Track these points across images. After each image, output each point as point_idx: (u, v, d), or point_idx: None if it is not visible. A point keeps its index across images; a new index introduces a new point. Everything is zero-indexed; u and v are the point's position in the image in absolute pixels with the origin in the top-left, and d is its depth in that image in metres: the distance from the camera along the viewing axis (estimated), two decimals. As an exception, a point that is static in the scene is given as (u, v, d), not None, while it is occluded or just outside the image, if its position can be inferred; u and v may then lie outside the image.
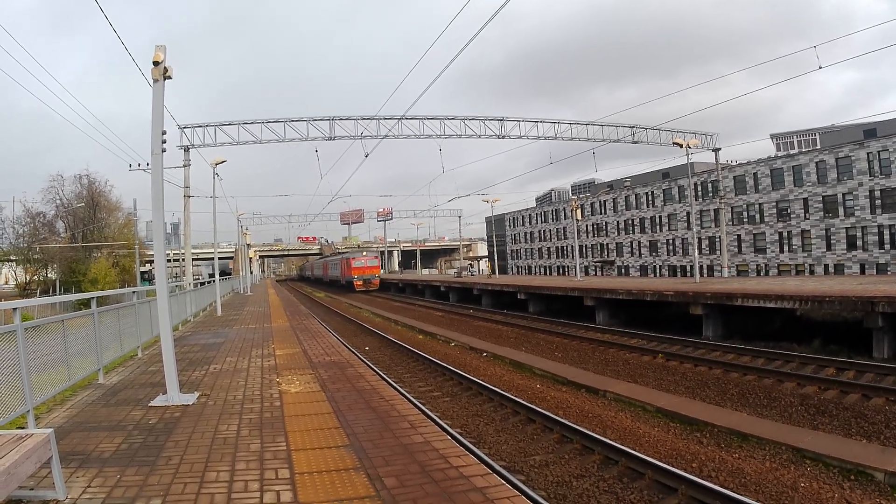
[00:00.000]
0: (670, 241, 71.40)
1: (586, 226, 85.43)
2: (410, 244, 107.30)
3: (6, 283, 71.23)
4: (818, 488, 7.33)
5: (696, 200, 62.20)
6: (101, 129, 68.25)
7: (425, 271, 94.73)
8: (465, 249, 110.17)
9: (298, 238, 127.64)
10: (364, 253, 70.34)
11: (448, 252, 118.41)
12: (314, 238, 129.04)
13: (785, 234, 57.26)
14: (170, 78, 8.39)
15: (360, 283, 63.69)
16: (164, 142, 8.92)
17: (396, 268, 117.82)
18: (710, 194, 62.55)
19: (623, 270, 78.13)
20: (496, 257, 67.14)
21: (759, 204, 59.34)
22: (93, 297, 9.80)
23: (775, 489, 7.33)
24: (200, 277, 54.80)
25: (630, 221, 78.44)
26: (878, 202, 49.20)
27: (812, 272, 53.03)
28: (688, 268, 64.59)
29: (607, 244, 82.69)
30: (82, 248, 61.26)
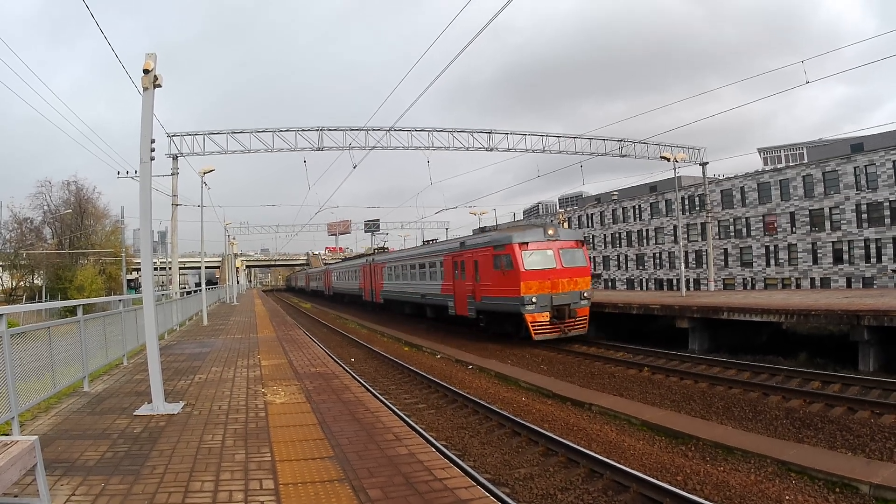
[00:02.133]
0: (657, 255, 71.86)
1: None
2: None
3: (-8, 288, 70.46)
4: (803, 501, 7.36)
5: (683, 214, 62.70)
6: (92, 138, 68.03)
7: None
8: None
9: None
10: (550, 232, 21.88)
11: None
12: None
13: (771, 248, 57.77)
14: (160, 86, 8.41)
15: (542, 317, 20.47)
16: (152, 150, 8.93)
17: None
18: (698, 208, 63.07)
19: (609, 283, 78.44)
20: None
21: (746, 218, 59.91)
22: (79, 305, 9.75)
23: (760, 502, 7.36)
24: (187, 286, 54.55)
25: (617, 234, 78.92)
26: (864, 216, 49.83)
27: (798, 286, 53.48)
28: (674, 281, 64.99)
29: (594, 257, 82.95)
30: (69, 255, 60.80)
